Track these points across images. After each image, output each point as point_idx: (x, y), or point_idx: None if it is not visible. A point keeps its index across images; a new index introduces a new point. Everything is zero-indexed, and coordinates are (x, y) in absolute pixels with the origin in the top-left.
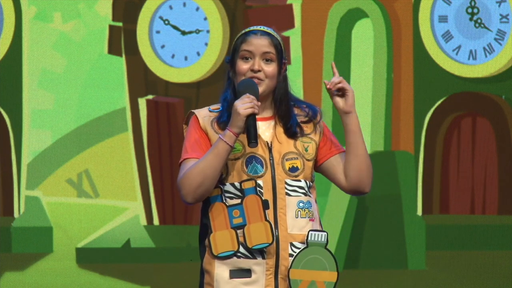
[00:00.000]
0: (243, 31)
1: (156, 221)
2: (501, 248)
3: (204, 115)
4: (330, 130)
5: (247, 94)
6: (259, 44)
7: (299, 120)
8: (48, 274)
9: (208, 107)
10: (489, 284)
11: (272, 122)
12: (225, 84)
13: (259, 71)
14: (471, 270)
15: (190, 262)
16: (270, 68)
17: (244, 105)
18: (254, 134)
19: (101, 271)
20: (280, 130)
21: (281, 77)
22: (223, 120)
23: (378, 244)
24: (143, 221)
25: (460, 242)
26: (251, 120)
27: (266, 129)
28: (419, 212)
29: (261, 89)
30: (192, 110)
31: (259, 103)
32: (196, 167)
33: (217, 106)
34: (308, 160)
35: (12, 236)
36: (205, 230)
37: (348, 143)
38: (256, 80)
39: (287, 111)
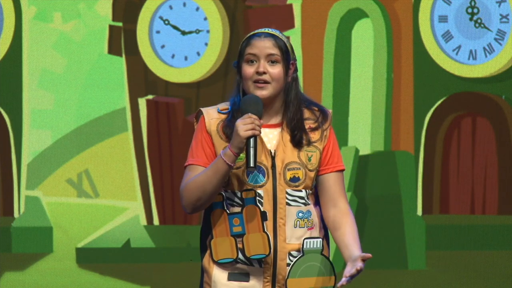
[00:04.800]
0: (248, 35)
1: (156, 221)
2: (501, 248)
3: (212, 117)
4: (335, 139)
5: (249, 114)
6: (263, 46)
7: (307, 126)
8: (48, 274)
9: (217, 106)
10: (489, 284)
11: (279, 129)
12: (234, 88)
13: (264, 73)
14: (471, 270)
15: (190, 262)
16: (276, 70)
17: (245, 126)
18: (254, 159)
19: (101, 271)
20: (286, 137)
21: (290, 79)
22: (229, 123)
23: (378, 244)
24: (143, 221)
25: (460, 242)
26: (252, 142)
27: (273, 137)
28: (419, 212)
29: (267, 92)
30: (202, 109)
31: (262, 121)
32: (196, 181)
33: (225, 107)
34: (310, 170)
35: (12, 236)
36: (206, 230)
37: (345, 249)
38: (261, 84)
39: (295, 115)
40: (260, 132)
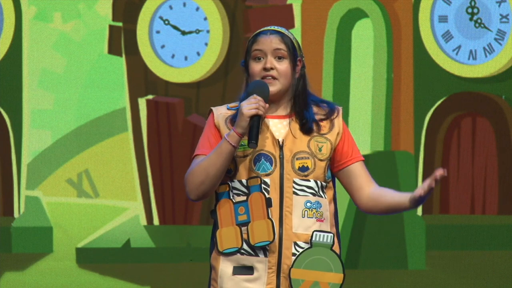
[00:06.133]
0: (254, 33)
1: (156, 221)
2: (501, 248)
3: (220, 112)
4: (350, 133)
5: (254, 95)
6: (269, 42)
7: (317, 118)
8: (48, 274)
9: (227, 104)
10: (489, 284)
11: (287, 120)
12: (243, 87)
13: (271, 69)
14: (471, 270)
15: (190, 262)
16: (283, 66)
17: (249, 105)
18: (256, 135)
19: (101, 271)
20: (295, 126)
21: (298, 75)
22: (235, 118)
23: (378, 244)
24: (143, 221)
25: (460, 242)
26: (254, 121)
27: (281, 127)
28: (419, 212)
29: (275, 88)
30: (212, 107)
31: (267, 105)
32: (200, 165)
33: (235, 104)
34: (320, 160)
35: (12, 236)
36: (215, 230)
37: (401, 203)
38: (269, 80)
39: (303, 107)
40: (264, 113)
